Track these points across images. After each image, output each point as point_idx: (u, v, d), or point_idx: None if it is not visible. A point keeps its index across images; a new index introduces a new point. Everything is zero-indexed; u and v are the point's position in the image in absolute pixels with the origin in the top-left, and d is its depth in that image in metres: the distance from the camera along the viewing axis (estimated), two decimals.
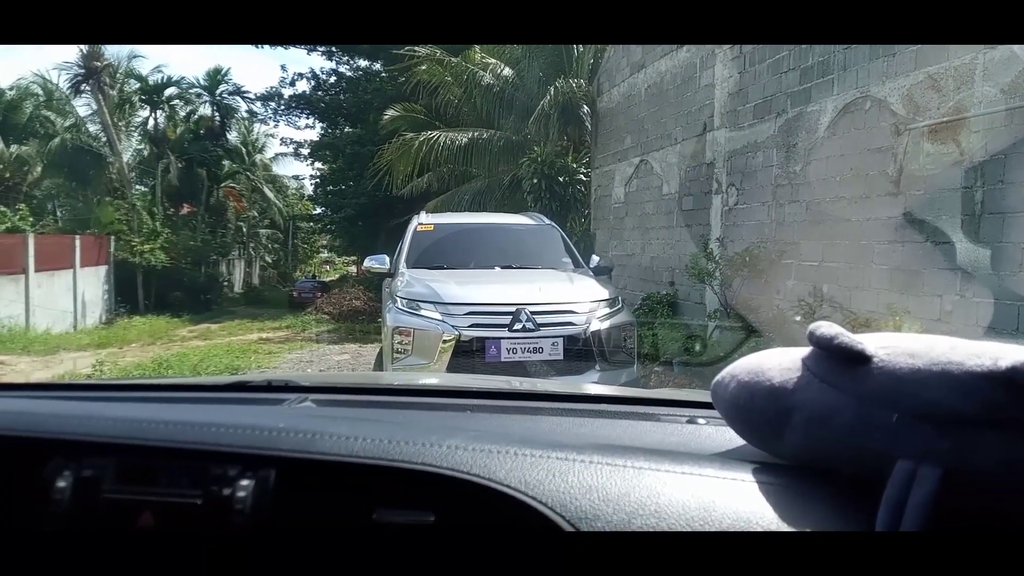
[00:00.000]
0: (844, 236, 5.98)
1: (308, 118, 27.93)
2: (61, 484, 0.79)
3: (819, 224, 6.30)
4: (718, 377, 0.92)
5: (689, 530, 0.67)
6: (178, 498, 0.79)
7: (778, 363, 0.83)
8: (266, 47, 30.94)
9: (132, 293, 21.31)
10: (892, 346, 0.74)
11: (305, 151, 29.84)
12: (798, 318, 5.79)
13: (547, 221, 7.35)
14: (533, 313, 5.06)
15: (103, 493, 0.80)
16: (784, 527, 0.68)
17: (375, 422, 1.01)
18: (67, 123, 24.04)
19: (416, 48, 13.72)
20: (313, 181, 30.53)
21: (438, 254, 6.35)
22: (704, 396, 1.16)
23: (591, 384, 4.28)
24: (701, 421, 1.14)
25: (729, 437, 0.93)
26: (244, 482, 0.78)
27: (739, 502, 0.71)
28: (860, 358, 0.73)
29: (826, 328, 0.76)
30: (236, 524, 0.76)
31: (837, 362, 0.75)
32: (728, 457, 0.85)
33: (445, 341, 4.97)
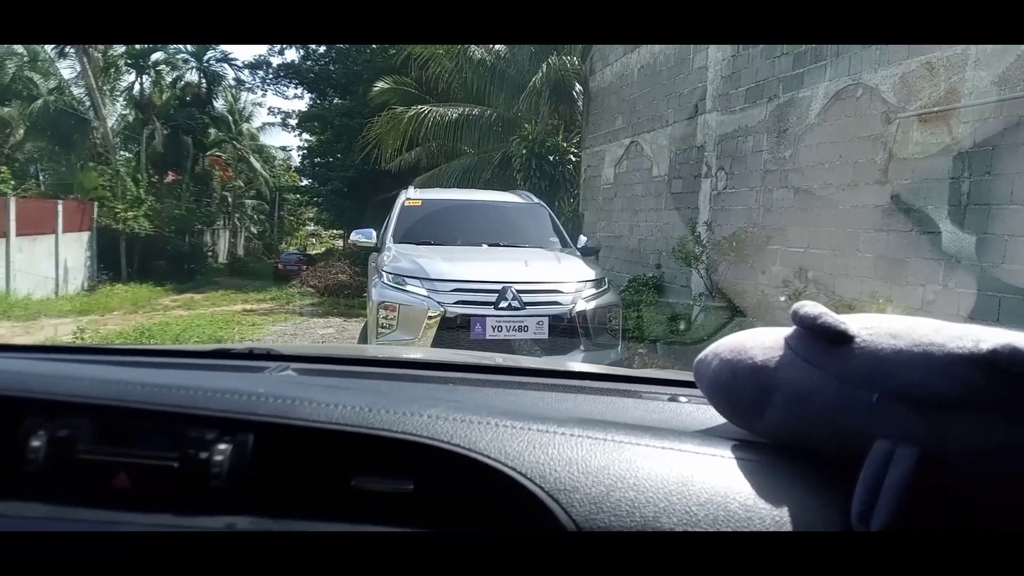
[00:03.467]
0: (830, 223, 6.00)
1: (296, 88, 27.73)
2: (36, 443, 0.78)
3: (806, 210, 6.32)
4: (701, 355, 0.92)
5: (667, 504, 0.68)
6: (154, 460, 0.78)
7: (761, 342, 0.83)
8: None
9: (115, 260, 21.08)
10: (875, 327, 0.74)
11: (293, 121, 29.60)
12: (783, 298, 5.83)
13: (536, 200, 7.33)
14: (519, 292, 5.06)
15: (78, 453, 0.79)
16: (760, 502, 0.68)
17: (355, 390, 1.01)
18: (51, 85, 23.56)
19: None
20: (300, 152, 30.33)
21: (425, 230, 6.33)
22: (686, 376, 1.16)
23: (574, 362, 4.29)
24: (683, 399, 1.14)
25: (710, 415, 0.94)
26: (222, 446, 0.77)
27: (717, 477, 0.72)
28: (843, 338, 0.73)
29: (810, 307, 0.76)
30: (213, 488, 0.76)
31: (820, 342, 0.75)
32: (708, 434, 0.85)
33: (430, 317, 4.97)
